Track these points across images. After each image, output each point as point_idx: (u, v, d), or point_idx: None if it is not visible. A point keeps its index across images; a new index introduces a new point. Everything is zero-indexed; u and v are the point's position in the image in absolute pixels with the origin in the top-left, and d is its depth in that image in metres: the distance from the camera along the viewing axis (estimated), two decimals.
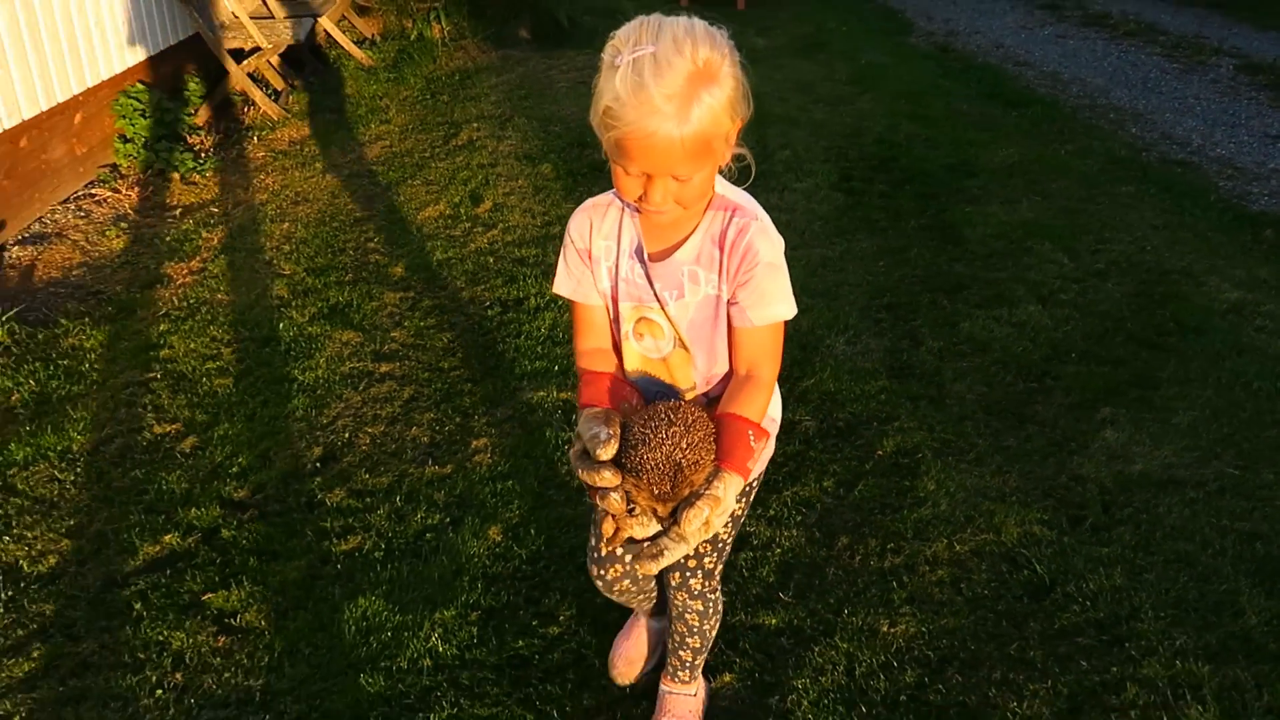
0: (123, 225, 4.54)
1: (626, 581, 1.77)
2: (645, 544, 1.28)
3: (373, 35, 7.72)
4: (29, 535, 2.43)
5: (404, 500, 2.53)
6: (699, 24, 1.26)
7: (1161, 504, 2.48)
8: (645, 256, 1.43)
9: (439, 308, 3.60)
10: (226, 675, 2.01)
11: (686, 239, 1.40)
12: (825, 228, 4.27)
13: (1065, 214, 4.44)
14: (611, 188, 1.40)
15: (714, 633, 1.81)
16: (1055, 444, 2.73)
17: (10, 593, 2.25)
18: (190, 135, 5.51)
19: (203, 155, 5.33)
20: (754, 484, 1.67)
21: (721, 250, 1.39)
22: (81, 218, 4.61)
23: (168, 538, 2.40)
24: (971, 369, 3.13)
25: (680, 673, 1.86)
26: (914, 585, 2.21)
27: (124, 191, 4.90)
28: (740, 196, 1.43)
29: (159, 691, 1.98)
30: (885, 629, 2.08)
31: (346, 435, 2.83)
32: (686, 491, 1.25)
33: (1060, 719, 1.87)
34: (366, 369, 3.18)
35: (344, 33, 7.12)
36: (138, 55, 5.35)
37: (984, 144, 5.45)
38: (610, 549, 1.60)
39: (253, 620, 2.15)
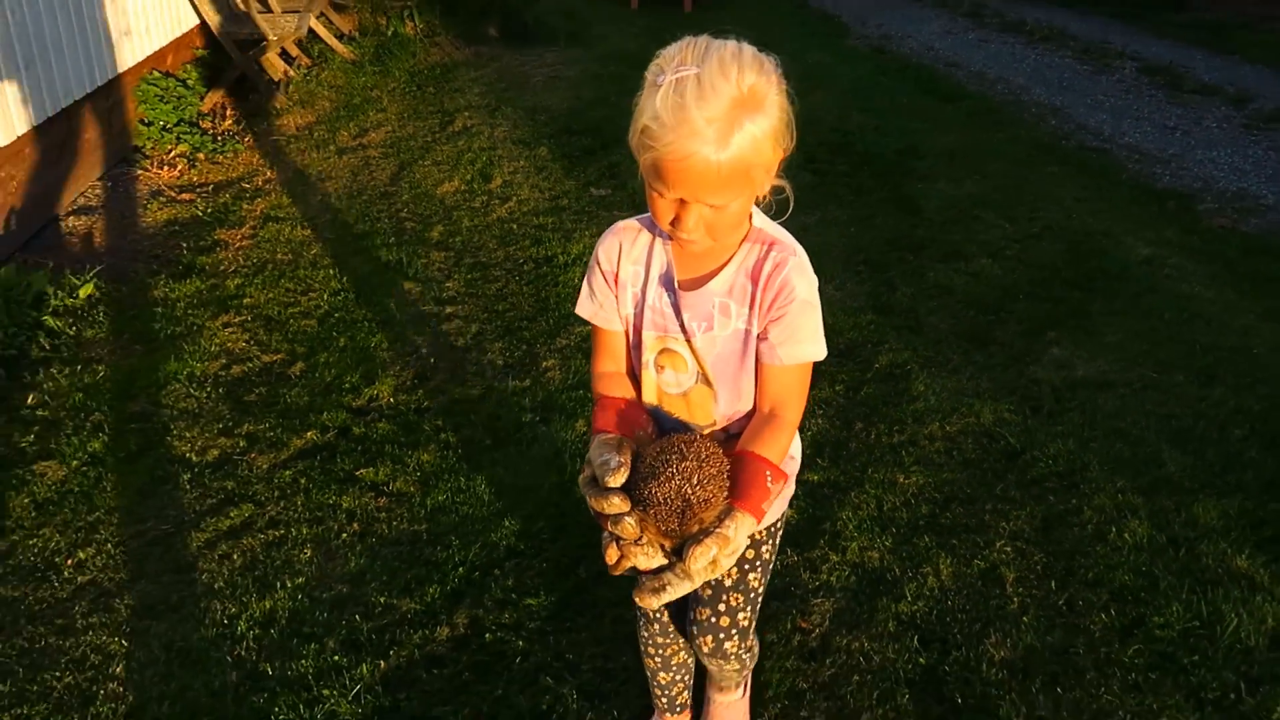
0: (161, 199, 4.92)
1: (684, 642, 1.76)
2: (648, 576, 1.24)
3: (350, 31, 8.12)
4: (187, 435, 2.89)
5: (496, 405, 3.06)
6: (747, 49, 1.23)
7: (1100, 397, 3.15)
8: (676, 285, 1.39)
9: (480, 264, 4.11)
10: (395, 524, 2.53)
11: (720, 270, 1.37)
12: (800, 201, 4.84)
13: (1002, 189, 5.15)
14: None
15: (756, 661, 1.83)
16: (1014, 358, 3.39)
17: (187, 475, 2.71)
18: (201, 120, 5.89)
19: (220, 138, 5.72)
20: (779, 525, 1.63)
21: (755, 284, 1.35)
22: (120, 193, 4.98)
23: (309, 434, 2.88)
24: (940, 307, 3.78)
25: (725, 682, 1.88)
26: (918, 453, 2.83)
27: (153, 170, 5.27)
28: (777, 230, 1.40)
29: (344, 535, 2.48)
30: (901, 480, 2.70)
31: (431, 360, 3.34)
32: (695, 528, 1.22)
33: (1038, 532, 2.51)
34: (432, 311, 3.69)
35: (325, 28, 7.52)
36: (154, 44, 5.72)
37: (926, 132, 6.16)
38: (639, 597, 1.51)
39: (402, 488, 2.66)
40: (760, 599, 1.63)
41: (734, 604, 1.59)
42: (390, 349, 3.40)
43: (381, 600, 2.27)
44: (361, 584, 2.33)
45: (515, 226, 4.50)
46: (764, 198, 1.34)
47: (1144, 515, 2.56)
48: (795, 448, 1.54)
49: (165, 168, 5.31)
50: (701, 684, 1.94)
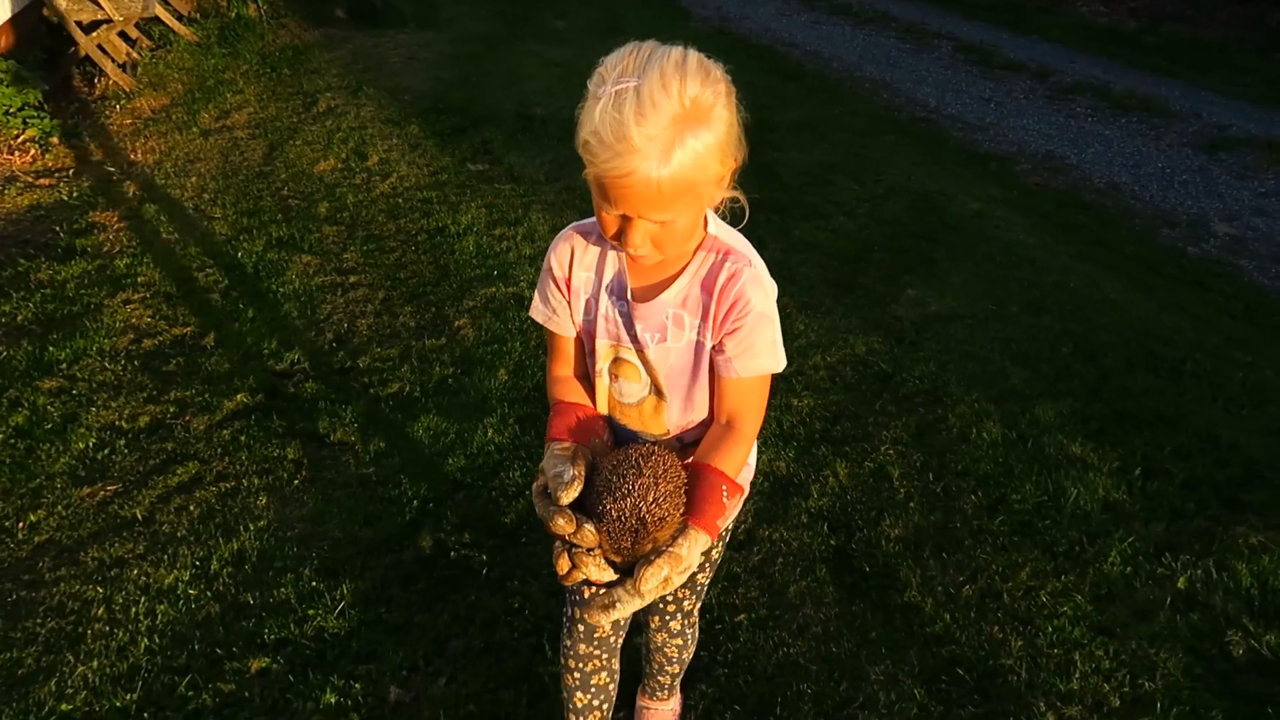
0: (17, 185, 4.75)
1: (606, 657, 1.68)
2: (598, 592, 1.22)
3: (189, 12, 7.88)
4: (113, 405, 2.92)
5: (418, 361, 3.23)
6: (693, 57, 1.17)
7: (951, 328, 3.62)
8: (629, 295, 1.36)
9: (374, 236, 4.23)
10: (342, 470, 2.68)
11: (673, 280, 1.33)
12: None
13: (849, 156, 5.64)
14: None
15: (691, 657, 1.83)
16: (877, 300, 3.83)
17: (123, 440, 2.76)
18: (47, 104, 5.65)
19: (70, 122, 5.51)
20: (727, 530, 1.62)
21: (710, 295, 1.31)
22: None
23: (239, 397, 2.97)
24: (809, 259, 4.19)
25: (659, 692, 1.89)
26: (806, 381, 3.20)
27: (2, 156, 5.05)
28: (733, 238, 1.36)
29: (295, 482, 2.62)
30: (795, 403, 3.06)
31: (345, 325, 3.46)
32: (648, 547, 1.19)
33: (913, 437, 2.91)
34: (336, 281, 3.79)
35: (163, 9, 7.29)
36: None
37: (775, 107, 6.62)
38: (589, 614, 1.29)
39: (343, 438, 2.81)
40: (705, 590, 1.68)
41: (681, 596, 1.65)
42: (301, 317, 3.50)
43: (344, 534, 2.43)
44: (322, 522, 2.48)
45: (401, 201, 4.62)
46: (718, 207, 1.32)
47: (997, 418, 3.01)
48: (751, 455, 1.51)
49: (16, 153, 5.10)
50: (632, 692, 1.95)
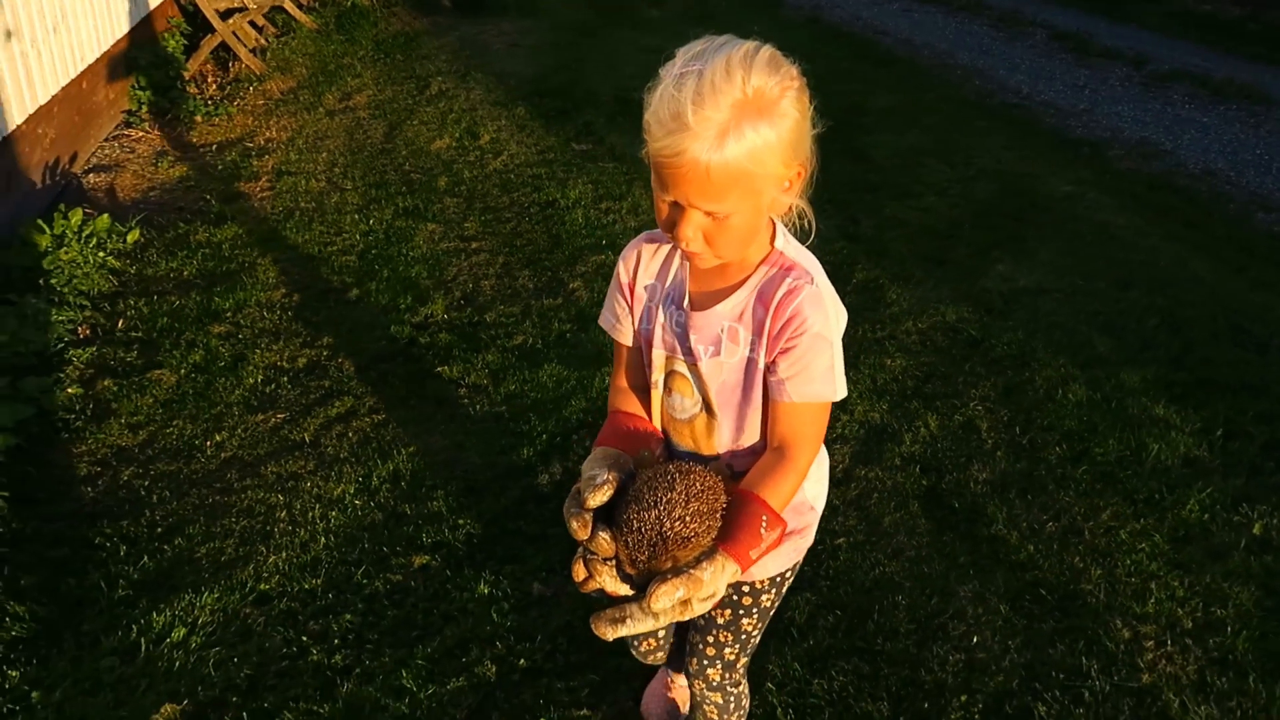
0: (169, 158, 5.21)
1: (660, 655, 1.75)
2: (611, 605, 1.18)
3: (309, 1, 8.36)
4: (274, 348, 3.30)
5: (538, 317, 3.53)
6: (765, 51, 1.16)
7: (1039, 301, 3.78)
8: (686, 303, 1.33)
9: (490, 208, 4.55)
10: (478, 408, 3.00)
11: (732, 291, 1.29)
12: None
13: (940, 141, 5.78)
14: None
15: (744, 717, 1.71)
16: (966, 273, 4.00)
17: (285, 378, 3.13)
18: (189, 86, 6.14)
19: (210, 102, 5.98)
20: (788, 575, 1.52)
21: (766, 310, 1.26)
22: (128, 153, 5.25)
23: (381, 344, 3.32)
24: (900, 235, 4.38)
25: None
26: (898, 344, 3.41)
27: (154, 132, 5.54)
28: (800, 254, 1.31)
29: (437, 416, 2.94)
30: (888, 363, 3.27)
31: (470, 285, 3.79)
32: (667, 565, 1.14)
33: (1001, 395, 3.11)
34: (459, 247, 4.13)
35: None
36: (140, 13, 5.95)
37: (866, 93, 6.77)
38: (596, 626, 1.22)
39: (477, 381, 3.13)
40: (754, 642, 1.58)
41: (723, 640, 1.55)
42: (430, 278, 3.84)
43: (484, 460, 2.74)
44: (463, 450, 2.80)
45: (513, 176, 4.95)
46: (784, 216, 1.28)
47: (1082, 382, 3.19)
48: (818, 498, 1.47)
49: (164, 129, 5.57)
50: None
